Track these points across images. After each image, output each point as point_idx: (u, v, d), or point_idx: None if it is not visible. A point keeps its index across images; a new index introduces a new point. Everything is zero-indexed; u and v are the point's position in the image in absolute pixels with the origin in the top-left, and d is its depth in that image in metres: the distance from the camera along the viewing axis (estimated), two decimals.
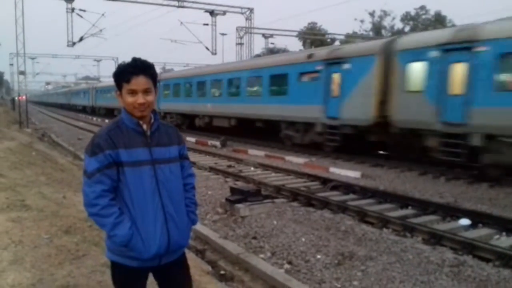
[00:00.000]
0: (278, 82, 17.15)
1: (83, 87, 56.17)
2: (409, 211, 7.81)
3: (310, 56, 15.62)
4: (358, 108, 13.22)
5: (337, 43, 45.01)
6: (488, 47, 9.95)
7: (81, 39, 30.53)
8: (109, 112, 39.83)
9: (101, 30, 31.87)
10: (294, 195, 8.63)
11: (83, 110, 52.59)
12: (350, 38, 43.80)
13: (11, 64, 47.75)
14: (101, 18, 30.58)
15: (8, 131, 21.11)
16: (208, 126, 22.92)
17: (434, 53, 11.16)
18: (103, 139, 2.13)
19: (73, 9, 28.55)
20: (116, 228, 2.10)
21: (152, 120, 2.26)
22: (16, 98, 37.35)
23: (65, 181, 8.81)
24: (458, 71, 10.63)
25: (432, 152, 11.45)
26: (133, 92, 2.15)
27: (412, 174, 11.46)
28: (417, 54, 11.64)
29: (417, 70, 11.68)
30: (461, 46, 10.52)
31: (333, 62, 14.28)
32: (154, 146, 2.22)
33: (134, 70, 2.15)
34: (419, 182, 10.46)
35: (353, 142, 14.16)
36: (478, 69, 10.13)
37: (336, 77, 14.21)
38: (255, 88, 19.05)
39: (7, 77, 63.64)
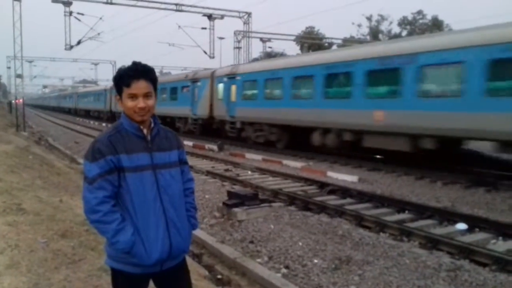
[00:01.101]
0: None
1: (68, 92, 67.37)
2: (406, 215, 7.83)
3: (186, 76, 25.55)
4: (203, 109, 22.53)
5: (334, 47, 45.12)
6: (240, 77, 19.59)
7: (78, 42, 30.53)
8: (87, 113, 49.68)
9: (99, 34, 31.87)
10: (291, 199, 8.63)
11: (69, 111, 60.69)
12: (348, 42, 43.95)
13: (9, 67, 47.63)
14: (99, 21, 30.54)
15: (5, 134, 21.03)
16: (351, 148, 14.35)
17: (225, 79, 20.68)
18: (104, 144, 2.11)
19: (71, 13, 28.55)
20: (118, 234, 2.08)
21: (152, 125, 2.25)
22: (13, 101, 37.27)
23: (61, 185, 8.78)
24: (233, 89, 19.92)
25: (227, 132, 20.53)
26: (133, 97, 2.14)
27: (409, 178, 11.48)
28: (220, 79, 21.20)
29: (220, 87, 21.11)
30: (232, 76, 20.07)
31: (194, 80, 23.75)
32: (155, 151, 2.21)
33: (134, 74, 2.14)
34: (416, 186, 10.47)
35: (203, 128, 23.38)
36: (239, 87, 19.61)
37: (195, 89, 23.57)
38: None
39: (4, 80, 63.54)
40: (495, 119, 9.66)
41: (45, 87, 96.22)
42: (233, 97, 19.71)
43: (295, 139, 16.86)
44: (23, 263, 4.07)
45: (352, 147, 14.14)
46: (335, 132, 14.09)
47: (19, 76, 29.43)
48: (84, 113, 51.08)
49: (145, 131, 2.21)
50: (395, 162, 12.73)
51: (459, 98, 10.43)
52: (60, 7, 28.14)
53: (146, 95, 2.15)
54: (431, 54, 11.18)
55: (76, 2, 27.92)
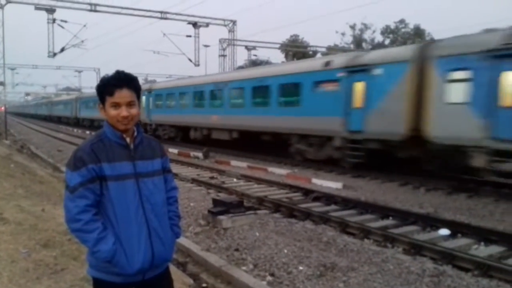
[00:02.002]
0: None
1: (44, 101, 72.81)
2: (390, 221, 7.91)
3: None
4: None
5: (319, 55, 45.50)
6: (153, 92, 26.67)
7: (62, 50, 30.27)
8: (59, 119, 56.12)
9: (82, 41, 31.66)
10: (277, 207, 8.65)
11: (45, 118, 65.89)
12: (332, 50, 44.41)
13: None
14: (83, 29, 30.35)
15: None
16: (206, 139, 21.68)
17: (146, 93, 27.04)
18: (86, 153, 2.10)
19: (54, 20, 28.31)
20: (99, 243, 2.06)
21: (135, 133, 2.25)
22: None
23: (44, 194, 8.66)
24: (150, 100, 27.57)
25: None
26: (116, 105, 2.13)
27: (392, 184, 11.60)
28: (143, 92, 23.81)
29: (143, 99, 26.07)
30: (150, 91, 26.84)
31: None
32: (138, 160, 2.20)
33: (117, 83, 2.14)
34: (399, 193, 10.59)
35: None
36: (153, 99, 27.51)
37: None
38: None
39: None
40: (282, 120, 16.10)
41: (27, 94, 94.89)
42: (150, 106, 27.05)
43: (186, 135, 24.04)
44: (4, 273, 4.00)
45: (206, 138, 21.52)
46: (199, 129, 22.30)
47: (1, 83, 29.01)
48: (56, 119, 58.05)
49: (128, 139, 2.21)
50: (378, 168, 12.86)
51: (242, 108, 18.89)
52: (43, 14, 27.90)
53: (129, 104, 2.15)
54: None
55: (60, 9, 27.72)
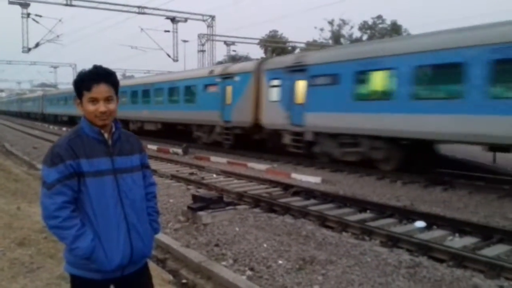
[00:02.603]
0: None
1: (14, 98, 76.03)
2: (367, 214, 8.03)
3: (211, 71, 24.51)
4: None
5: (297, 50, 45.69)
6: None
7: (37, 45, 29.61)
8: (27, 115, 57.83)
9: (58, 36, 31.02)
10: (256, 202, 8.68)
11: (15, 115, 68.84)
12: (310, 46, 44.62)
13: None
14: (58, 24, 29.73)
15: None
16: (140, 130, 25.42)
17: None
18: (63, 149, 2.07)
19: (28, 14, 27.64)
20: (77, 240, 2.04)
21: (114, 129, 2.23)
22: None
23: (19, 192, 8.48)
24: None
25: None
26: (94, 100, 2.11)
27: (370, 178, 11.77)
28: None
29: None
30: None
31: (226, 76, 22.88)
32: (116, 156, 2.18)
33: (95, 78, 2.11)
34: (377, 186, 10.76)
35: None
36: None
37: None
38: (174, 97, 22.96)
39: None
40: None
41: (1, 91, 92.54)
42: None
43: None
44: None
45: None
46: (135, 122, 26.18)
47: None
48: (26, 115, 60.80)
49: (106, 135, 2.19)
50: (357, 163, 13.03)
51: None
52: (17, 8, 27.20)
53: (107, 99, 2.13)
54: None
55: (34, 3, 27.06)
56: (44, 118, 45.32)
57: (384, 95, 12.06)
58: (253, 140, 17.61)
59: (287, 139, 15.32)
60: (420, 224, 7.27)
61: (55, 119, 44.44)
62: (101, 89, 2.10)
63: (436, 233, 6.89)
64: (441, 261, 5.62)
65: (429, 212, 7.90)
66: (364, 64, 12.48)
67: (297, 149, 14.96)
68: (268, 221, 7.26)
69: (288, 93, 15.05)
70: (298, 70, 14.74)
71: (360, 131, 12.60)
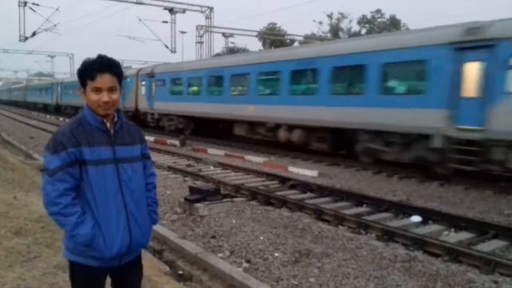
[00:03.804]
0: None
1: (17, 86, 70.62)
2: (363, 208, 8.06)
3: None
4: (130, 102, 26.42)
5: (296, 43, 45.55)
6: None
7: (34, 33, 29.38)
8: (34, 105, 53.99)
9: (55, 25, 30.80)
10: (253, 194, 8.70)
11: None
12: (309, 39, 44.50)
13: None
14: (56, 13, 29.51)
15: None
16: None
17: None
18: (66, 137, 2.09)
19: (25, 3, 27.40)
20: (78, 227, 2.07)
21: (116, 119, 2.25)
22: None
23: (16, 181, 8.46)
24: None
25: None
26: (97, 90, 2.13)
27: (367, 173, 11.80)
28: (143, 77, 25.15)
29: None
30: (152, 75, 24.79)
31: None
32: (118, 145, 2.20)
33: (99, 68, 2.13)
34: (373, 181, 10.79)
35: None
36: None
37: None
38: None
39: None
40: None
41: (9, 82, 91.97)
42: (153, 93, 24.22)
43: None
44: None
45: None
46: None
47: None
48: (32, 106, 56.77)
49: (108, 125, 2.21)
50: (354, 157, 13.07)
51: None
52: None
53: (111, 89, 2.15)
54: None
55: None
56: (60, 110, 45.22)
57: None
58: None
59: (148, 117, 24.22)
60: (416, 218, 7.30)
61: (34, 106, 52.27)
62: (104, 79, 2.12)
63: (432, 228, 6.92)
64: (436, 255, 5.66)
65: (425, 207, 7.93)
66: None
67: (152, 123, 23.70)
68: (265, 213, 7.28)
69: (149, 90, 23.66)
70: (151, 76, 23.61)
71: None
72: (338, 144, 13.84)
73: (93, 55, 2.20)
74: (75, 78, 26.42)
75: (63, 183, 2.05)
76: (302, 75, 14.78)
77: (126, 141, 2.25)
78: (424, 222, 7.23)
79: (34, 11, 28.05)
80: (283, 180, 10.22)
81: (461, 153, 9.90)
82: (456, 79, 9.85)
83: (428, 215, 7.40)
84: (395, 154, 11.54)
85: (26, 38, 28.83)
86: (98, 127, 2.17)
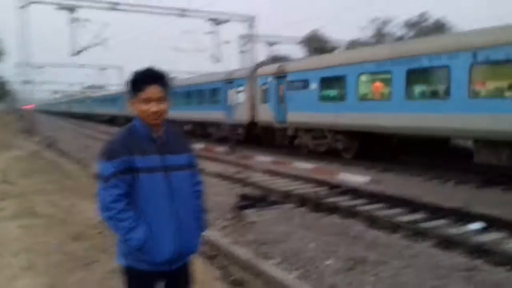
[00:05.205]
0: None
1: (80, 97, 70.07)
2: (419, 215, 7.73)
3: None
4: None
5: (342, 49, 44.98)
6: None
7: (84, 49, 30.69)
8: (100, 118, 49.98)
9: (104, 40, 32.04)
10: (303, 201, 8.58)
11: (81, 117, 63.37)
12: (353, 45, 43.83)
13: (17, 74, 48.05)
14: (104, 27, 30.72)
15: (17, 140, 21.26)
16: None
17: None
18: (119, 145, 2.19)
19: (75, 19, 28.70)
20: (131, 231, 2.14)
21: (164, 128, 2.32)
22: (23, 107, 37.92)
23: (73, 189, 8.84)
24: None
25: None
26: (147, 101, 2.21)
27: (421, 178, 11.38)
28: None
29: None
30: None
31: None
32: (167, 154, 2.27)
33: (148, 79, 2.22)
34: (428, 186, 10.39)
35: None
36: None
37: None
38: None
39: (13, 86, 64.07)
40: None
41: (55, 92, 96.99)
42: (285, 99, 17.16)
43: None
44: (38, 265, 4.10)
45: None
46: None
47: (28, 82, 29.72)
48: (98, 119, 52.32)
49: (157, 134, 2.28)
50: (406, 162, 12.64)
51: None
52: (65, 13, 28.27)
53: (159, 100, 2.23)
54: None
55: (82, 8, 28.09)
56: (71, 115, 56.10)
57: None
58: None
59: (277, 134, 18.64)
60: (475, 225, 6.92)
61: (98, 119, 49.97)
62: (153, 90, 2.21)
63: (493, 236, 6.53)
64: (498, 264, 5.32)
65: (485, 214, 7.50)
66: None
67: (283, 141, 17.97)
68: (315, 220, 7.17)
69: (275, 95, 18.00)
70: (280, 77, 17.39)
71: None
72: None
73: (139, 67, 2.29)
74: None
75: (117, 189, 2.14)
76: None
77: (175, 150, 2.32)
78: (485, 230, 6.85)
79: (85, 26, 29.30)
80: (333, 186, 10.03)
81: None
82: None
83: (489, 222, 6.98)
84: None
85: (77, 53, 30.13)
86: (148, 136, 2.25)
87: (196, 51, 36.32)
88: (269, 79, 17.89)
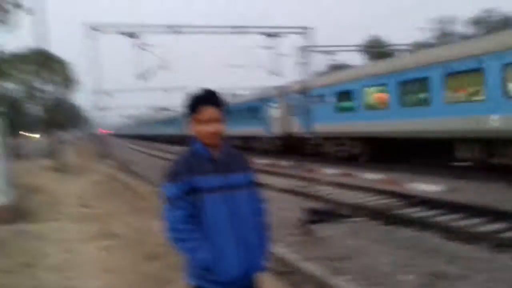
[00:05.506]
0: None
1: (165, 117, 58.13)
2: (501, 225, 7.19)
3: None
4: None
5: (406, 53, 43.50)
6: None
7: (149, 73, 32.09)
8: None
9: (166, 62, 33.34)
10: (373, 214, 8.30)
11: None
12: (413, 47, 42.28)
13: (90, 101, 51.17)
14: (166, 50, 32.08)
15: (93, 164, 22.61)
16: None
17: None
18: (181, 166, 2.24)
19: (139, 45, 30.14)
20: (196, 252, 2.17)
21: (223, 148, 2.35)
22: (97, 132, 40.31)
23: (147, 210, 9.17)
24: None
25: None
26: (203, 122, 2.26)
27: (498, 185, 10.62)
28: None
29: None
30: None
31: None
32: (227, 173, 2.29)
33: (204, 101, 2.28)
34: (508, 194, 9.65)
35: None
36: None
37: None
38: None
39: (87, 112, 68.40)
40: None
41: (128, 117, 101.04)
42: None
43: None
44: (117, 285, 4.26)
45: None
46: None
47: (101, 108, 31.61)
48: (131, 137, 75.84)
49: (215, 153, 2.31)
50: (482, 169, 11.88)
51: None
52: (128, 40, 29.80)
53: (216, 120, 2.27)
54: None
55: (144, 33, 29.55)
56: (138, 137, 61.17)
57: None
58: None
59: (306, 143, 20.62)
60: None
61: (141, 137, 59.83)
62: (209, 111, 2.26)
63: None
64: None
65: None
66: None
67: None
68: (387, 234, 6.91)
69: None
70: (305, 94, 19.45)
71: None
72: None
73: (201, 86, 2.36)
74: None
75: (181, 211, 2.18)
76: None
77: (234, 169, 2.34)
78: None
79: (147, 50, 30.63)
80: (404, 197, 9.63)
81: None
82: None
83: None
84: None
85: (142, 77, 31.52)
86: (207, 156, 2.28)
87: (253, 66, 36.81)
88: (296, 95, 20.44)
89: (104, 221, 7.83)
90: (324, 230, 7.05)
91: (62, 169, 18.51)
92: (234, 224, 2.24)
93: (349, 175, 14.12)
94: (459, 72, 12.27)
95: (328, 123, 18.26)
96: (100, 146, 31.73)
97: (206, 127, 2.26)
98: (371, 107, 16.12)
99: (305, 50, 35.28)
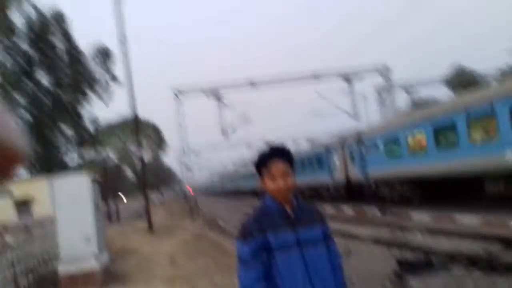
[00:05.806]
0: None
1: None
2: None
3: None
4: None
5: (494, 83, 40.89)
6: None
7: (233, 130, 33.36)
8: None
9: (247, 117, 34.51)
10: (473, 262, 7.57)
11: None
12: (503, 74, 39.52)
13: (178, 161, 53.94)
14: (246, 104, 33.45)
15: (182, 222, 23.48)
16: None
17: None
18: (252, 225, 2.23)
19: (222, 104, 31.65)
20: None
21: (294, 202, 2.32)
22: (186, 191, 42.08)
23: (234, 268, 9.22)
24: None
25: None
26: (273, 177, 2.26)
27: None
28: None
29: None
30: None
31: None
32: (299, 228, 2.25)
33: (271, 156, 2.30)
34: None
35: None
36: None
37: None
38: None
39: (176, 172, 72.13)
40: None
41: (218, 175, 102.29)
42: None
43: None
44: None
45: None
46: None
47: (189, 168, 33.20)
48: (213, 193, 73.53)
49: (287, 208, 2.28)
50: None
51: None
52: (210, 99, 31.42)
53: (285, 174, 2.26)
54: None
55: (225, 89, 31.06)
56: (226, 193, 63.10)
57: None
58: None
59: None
60: None
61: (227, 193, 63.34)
62: (278, 166, 2.26)
63: None
64: None
65: None
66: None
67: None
68: (492, 285, 6.23)
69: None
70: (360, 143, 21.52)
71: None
72: None
73: (282, 136, 2.38)
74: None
75: (254, 271, 2.14)
76: None
77: (307, 223, 2.29)
78: None
79: (229, 106, 32.01)
80: (509, 241, 8.70)
81: None
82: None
83: None
84: None
85: (227, 133, 32.79)
86: (278, 212, 2.26)
87: (332, 111, 36.72)
88: (353, 144, 22.26)
89: (192, 281, 7.99)
90: (420, 283, 6.51)
91: (152, 229, 19.41)
92: (310, 282, 2.17)
93: (443, 219, 13.13)
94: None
95: (380, 167, 19.75)
96: (188, 204, 32.98)
97: (277, 182, 2.25)
98: (413, 151, 17.35)
99: (383, 89, 34.65)
